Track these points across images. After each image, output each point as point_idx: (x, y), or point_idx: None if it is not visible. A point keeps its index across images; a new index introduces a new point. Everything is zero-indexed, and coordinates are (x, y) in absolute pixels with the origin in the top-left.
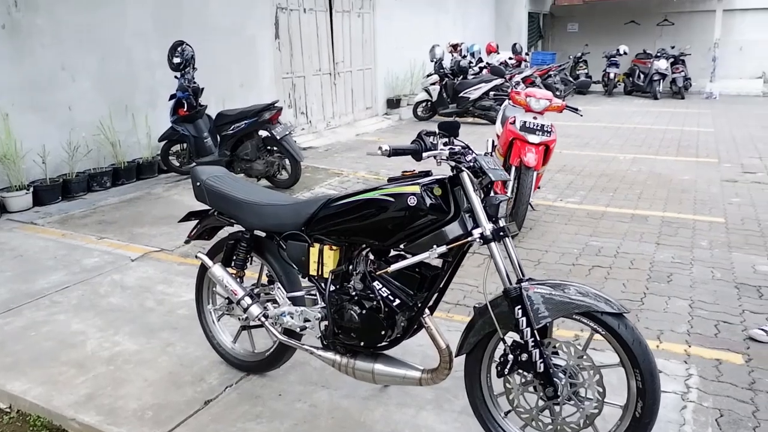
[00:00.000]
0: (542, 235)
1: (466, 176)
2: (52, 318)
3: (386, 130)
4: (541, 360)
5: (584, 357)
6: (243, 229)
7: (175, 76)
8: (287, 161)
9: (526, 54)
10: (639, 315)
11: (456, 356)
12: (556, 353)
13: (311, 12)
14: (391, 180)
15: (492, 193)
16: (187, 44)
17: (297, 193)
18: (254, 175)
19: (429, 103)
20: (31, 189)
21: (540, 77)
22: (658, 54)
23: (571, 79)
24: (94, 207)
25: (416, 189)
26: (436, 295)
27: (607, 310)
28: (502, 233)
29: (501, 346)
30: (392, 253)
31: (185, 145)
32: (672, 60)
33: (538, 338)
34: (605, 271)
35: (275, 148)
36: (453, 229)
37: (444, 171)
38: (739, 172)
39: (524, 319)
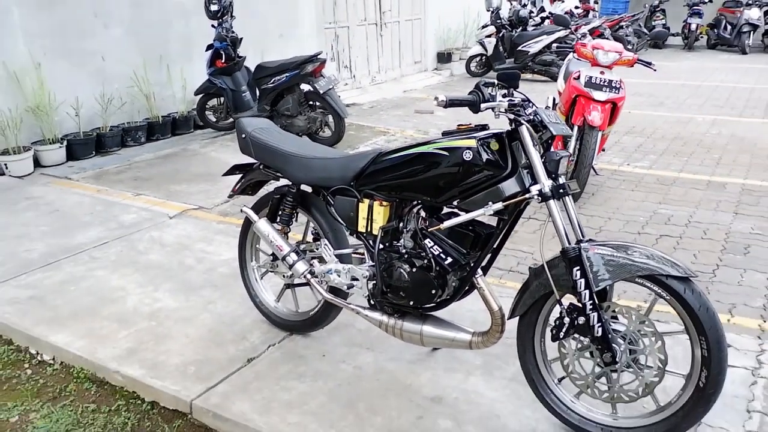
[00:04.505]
0: (605, 202)
1: (525, 130)
2: (92, 273)
3: (436, 86)
4: (600, 324)
5: (646, 322)
6: (289, 183)
7: (212, 25)
8: (330, 117)
9: (595, 2)
10: (710, 287)
11: (509, 318)
12: (616, 318)
13: None
14: (445, 134)
15: (552, 149)
16: None
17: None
18: (295, 132)
19: (483, 57)
20: (65, 142)
21: (610, 28)
22: (750, 2)
23: (645, 30)
24: (128, 163)
25: (472, 143)
26: (489, 255)
27: (672, 273)
28: (561, 191)
29: (556, 310)
30: (444, 210)
31: (222, 99)
32: (766, 9)
33: (596, 301)
34: (674, 241)
35: (318, 104)
36: (509, 186)
37: (500, 126)
38: None
39: (582, 281)
